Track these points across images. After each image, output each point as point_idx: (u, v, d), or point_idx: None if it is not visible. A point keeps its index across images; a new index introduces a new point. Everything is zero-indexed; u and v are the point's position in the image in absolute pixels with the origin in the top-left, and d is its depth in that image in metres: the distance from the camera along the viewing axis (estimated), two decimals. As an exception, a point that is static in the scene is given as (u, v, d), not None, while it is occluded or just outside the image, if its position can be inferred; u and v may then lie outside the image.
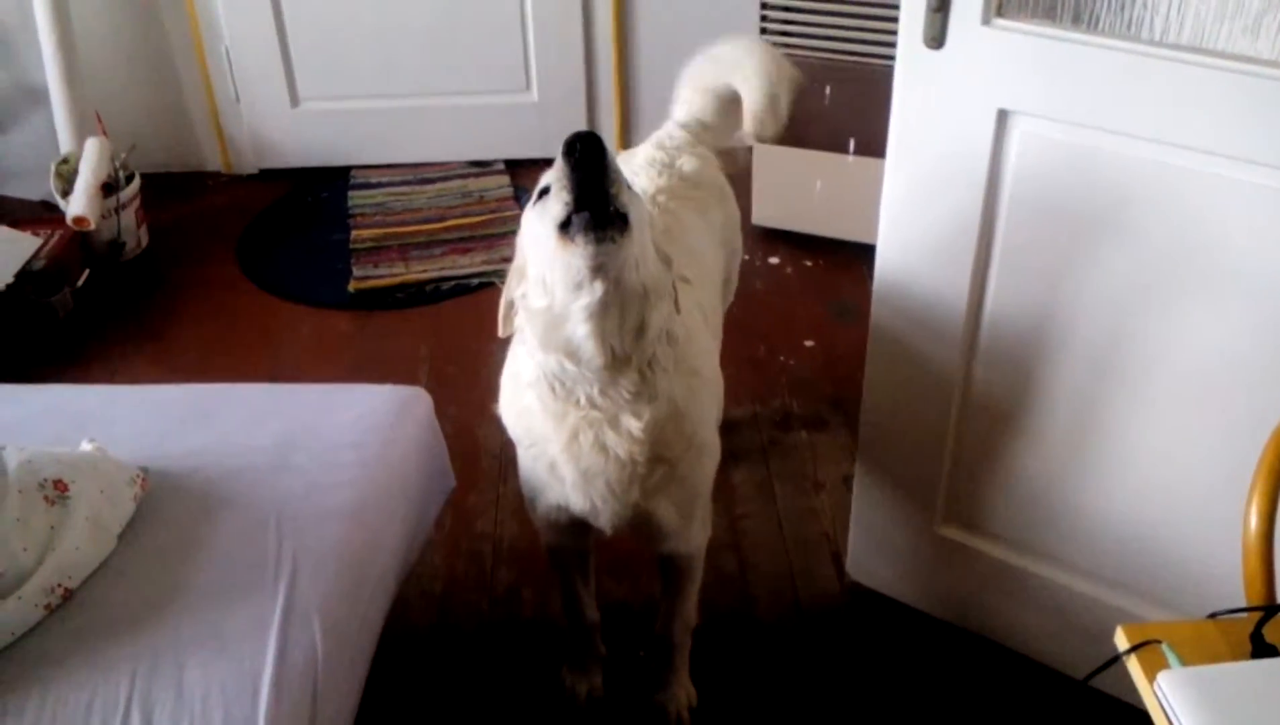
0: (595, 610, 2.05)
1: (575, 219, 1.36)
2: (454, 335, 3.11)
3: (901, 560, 2.20)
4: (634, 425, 1.54)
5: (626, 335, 1.47)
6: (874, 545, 2.24)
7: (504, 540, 2.43)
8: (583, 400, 1.53)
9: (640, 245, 1.44)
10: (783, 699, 2.09)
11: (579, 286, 1.40)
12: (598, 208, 1.36)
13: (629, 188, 1.44)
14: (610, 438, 1.56)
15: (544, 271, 1.44)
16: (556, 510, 1.73)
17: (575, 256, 1.38)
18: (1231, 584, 1.27)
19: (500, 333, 1.61)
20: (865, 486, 2.19)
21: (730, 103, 2.24)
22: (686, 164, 2.12)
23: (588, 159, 1.35)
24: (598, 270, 1.39)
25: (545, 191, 1.43)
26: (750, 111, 2.17)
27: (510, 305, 1.56)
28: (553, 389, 1.54)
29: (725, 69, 2.21)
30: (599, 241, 1.36)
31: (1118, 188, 1.61)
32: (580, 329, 1.44)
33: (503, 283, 1.59)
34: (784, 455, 2.67)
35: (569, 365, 1.49)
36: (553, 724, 2.05)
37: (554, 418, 1.57)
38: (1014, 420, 1.91)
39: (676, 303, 1.57)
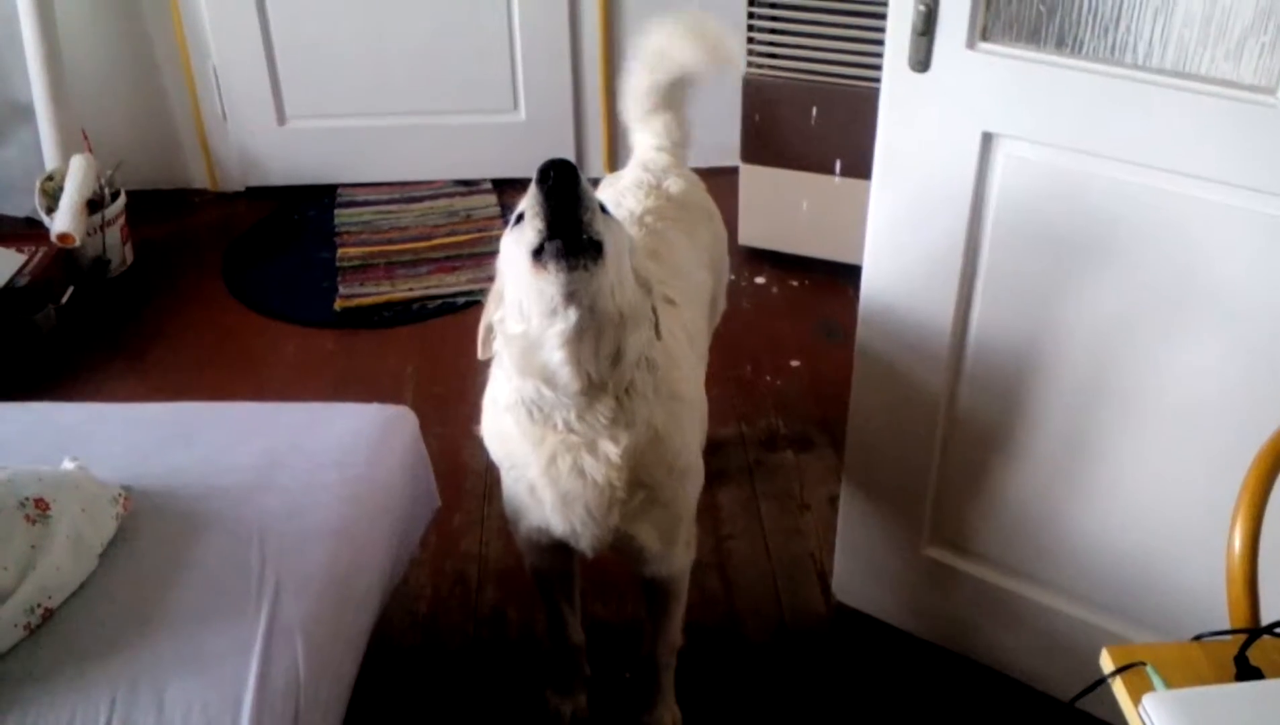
0: (580, 631, 2.04)
1: (548, 246, 1.36)
2: (440, 354, 3.10)
3: (887, 581, 2.20)
4: (611, 451, 1.54)
5: (603, 361, 1.47)
6: (860, 566, 2.24)
7: (489, 560, 2.42)
8: (560, 425, 1.53)
9: (617, 271, 1.43)
10: (768, 720, 2.08)
11: (553, 313, 1.40)
12: (570, 236, 1.35)
13: (605, 214, 1.44)
14: (588, 462, 1.55)
15: (520, 297, 1.44)
16: (538, 532, 1.72)
17: (548, 283, 1.38)
18: (1217, 606, 1.27)
19: (480, 355, 1.60)
20: (851, 507, 2.19)
21: (677, 103, 2.27)
22: (673, 185, 2.12)
23: (561, 187, 1.34)
24: (570, 297, 1.38)
25: (522, 217, 1.43)
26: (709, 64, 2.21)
27: (489, 329, 1.56)
28: (530, 414, 1.53)
29: (661, 71, 2.22)
30: (571, 270, 1.36)
31: (1101, 211, 1.62)
32: (555, 355, 1.44)
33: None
34: (770, 475, 2.67)
35: (545, 391, 1.49)
36: (537, 746, 2.04)
37: (532, 442, 1.56)
38: (999, 442, 1.91)
39: (657, 328, 1.57)
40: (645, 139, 2.28)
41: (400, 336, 3.22)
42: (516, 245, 1.41)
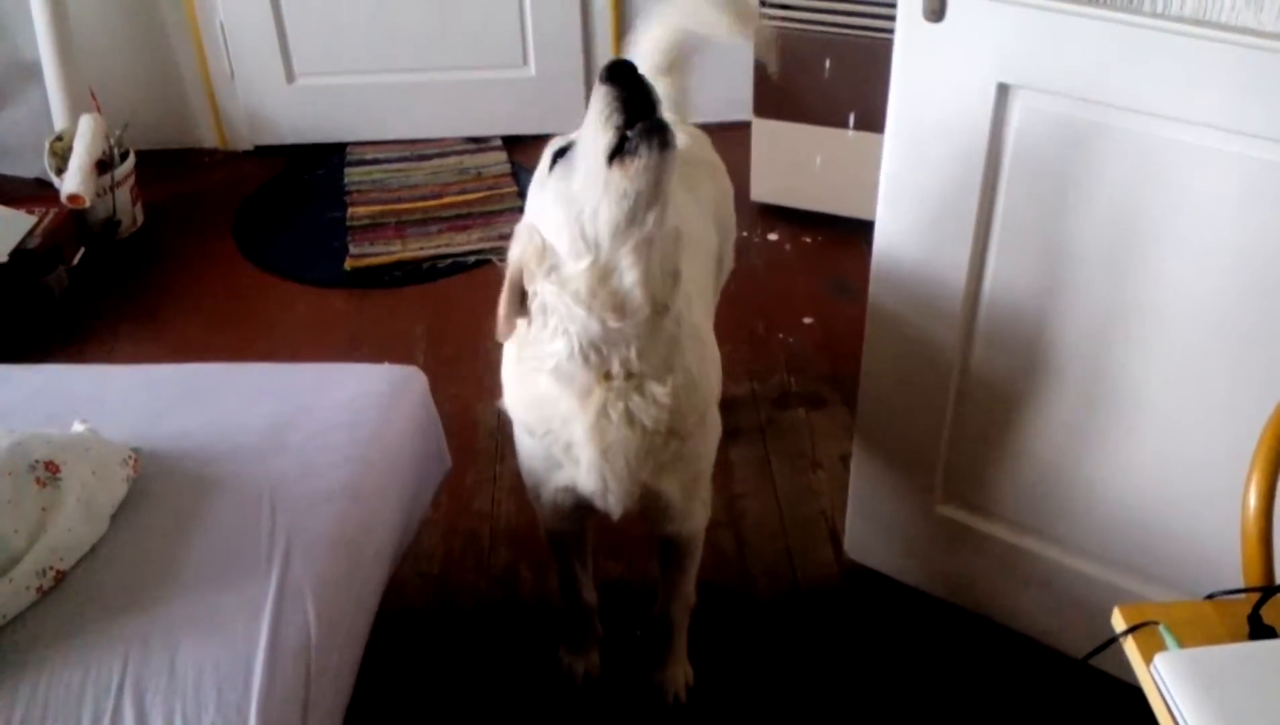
0: (593, 591, 2.04)
1: (632, 134, 1.36)
2: (451, 313, 3.09)
3: (900, 539, 2.20)
4: (660, 391, 1.55)
5: (667, 279, 1.49)
6: (872, 524, 2.23)
7: (501, 520, 2.42)
8: (616, 366, 1.52)
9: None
10: (780, 678, 2.08)
11: (631, 220, 1.40)
12: (651, 117, 1.36)
13: None
14: (637, 404, 1.55)
15: (584, 224, 1.42)
16: (563, 493, 1.72)
17: (635, 178, 1.37)
18: (1235, 563, 1.26)
19: (500, 336, 1.59)
20: (863, 465, 2.18)
21: (683, 66, 2.27)
22: (676, 140, 2.09)
23: (630, 79, 1.36)
24: (657, 188, 1.39)
25: (563, 152, 1.44)
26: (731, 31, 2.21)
27: (516, 304, 1.54)
28: (586, 359, 1.52)
29: (678, 34, 2.23)
30: (664, 147, 1.37)
31: (1119, 162, 1.60)
32: (630, 275, 1.44)
33: (501, 261, 1.57)
34: (782, 434, 2.66)
35: (613, 322, 1.48)
36: (550, 704, 2.05)
37: (580, 395, 1.55)
38: (1013, 399, 1.90)
39: None
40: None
41: (411, 296, 3.21)
42: (573, 172, 1.41)
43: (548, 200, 1.47)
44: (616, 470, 1.62)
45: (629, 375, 1.54)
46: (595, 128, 1.38)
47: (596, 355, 1.52)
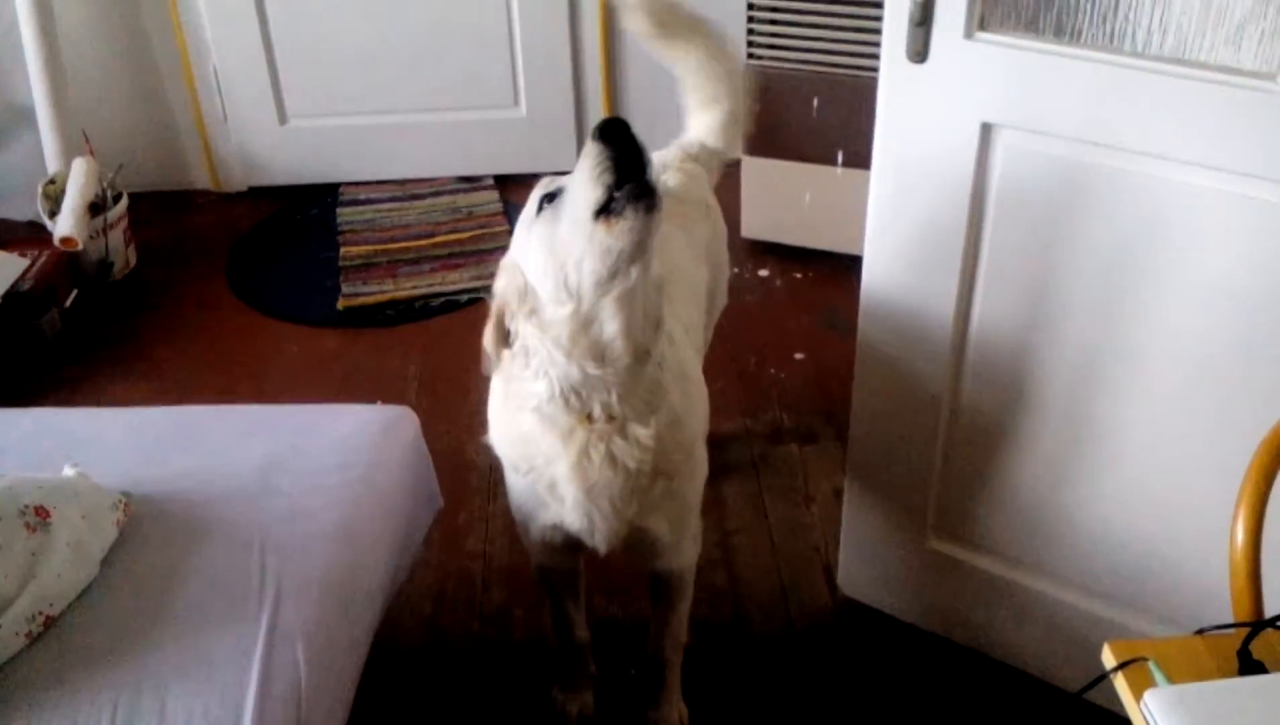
0: (586, 629, 2.04)
1: (619, 196, 1.37)
2: (444, 352, 3.10)
3: (893, 574, 2.19)
4: (643, 433, 1.55)
5: (649, 327, 1.49)
6: (865, 559, 2.23)
7: (494, 559, 2.42)
8: (598, 410, 1.53)
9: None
10: (775, 714, 2.08)
11: (614, 275, 1.41)
12: (642, 180, 1.37)
13: None
14: (620, 447, 1.55)
15: (568, 273, 1.43)
16: (551, 531, 1.72)
17: (619, 237, 1.38)
18: (1224, 595, 1.26)
19: (485, 370, 1.60)
20: (855, 501, 2.18)
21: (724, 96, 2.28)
22: (671, 179, 2.11)
23: (623, 139, 1.37)
24: (640, 247, 1.40)
25: (552, 197, 1.44)
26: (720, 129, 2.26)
27: (500, 338, 1.55)
28: (566, 402, 1.52)
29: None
30: (650, 211, 1.38)
31: (1103, 200, 1.61)
32: (610, 326, 1.45)
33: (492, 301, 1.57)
34: (775, 469, 2.67)
35: (593, 369, 1.48)
36: (544, 744, 2.04)
37: (562, 436, 1.56)
38: (1003, 433, 1.90)
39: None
40: (689, 132, 2.30)
41: (404, 335, 3.22)
42: (559, 221, 1.42)
43: (533, 243, 1.48)
44: (601, 509, 1.62)
45: (610, 417, 1.54)
46: (584, 183, 1.39)
47: (577, 398, 1.52)
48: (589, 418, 1.54)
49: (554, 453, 1.58)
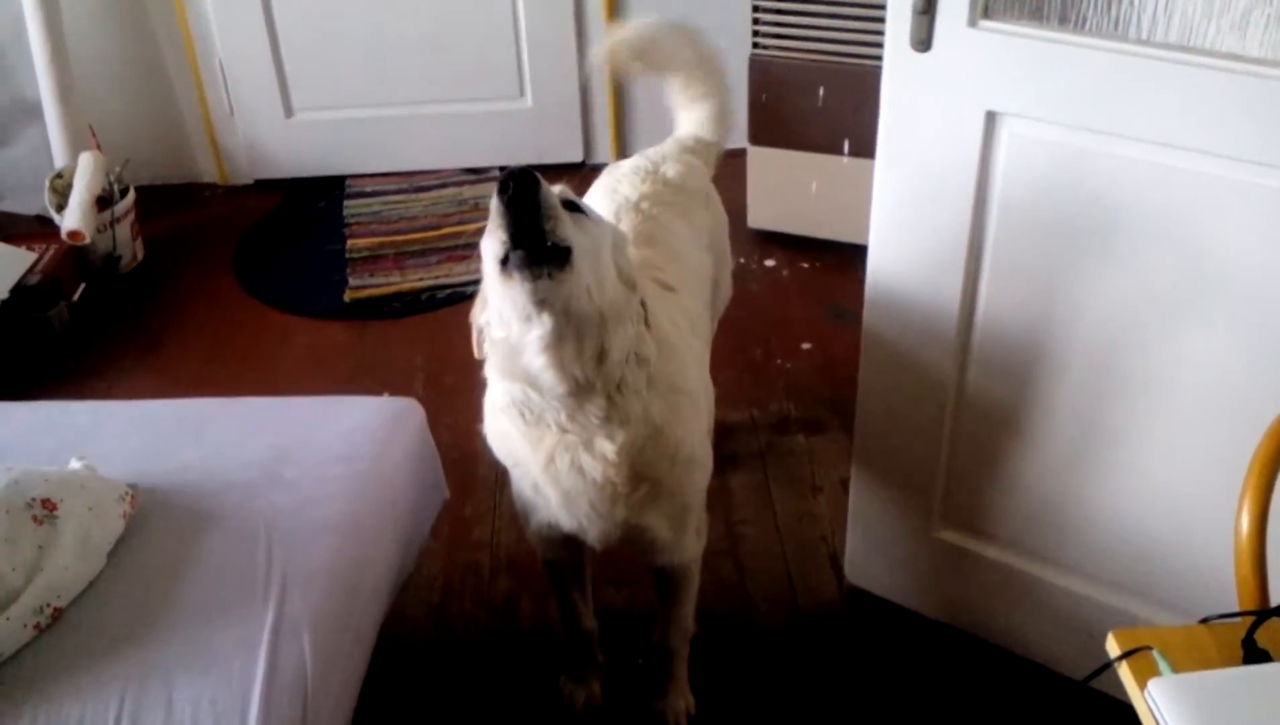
0: (593, 619, 2.04)
1: (512, 256, 1.35)
2: (450, 343, 3.10)
3: (900, 564, 2.19)
4: (608, 448, 1.54)
5: (587, 362, 1.45)
6: (872, 549, 2.23)
7: (501, 549, 2.42)
8: (553, 426, 1.53)
9: (594, 272, 1.42)
10: (782, 704, 2.08)
11: (528, 319, 1.40)
12: (533, 244, 1.34)
13: (579, 214, 1.44)
14: (585, 461, 1.55)
15: (498, 303, 1.44)
16: (548, 527, 1.73)
17: (517, 292, 1.37)
18: (1230, 584, 1.25)
19: (476, 355, 1.60)
20: (862, 491, 2.18)
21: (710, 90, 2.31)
22: (670, 170, 2.12)
23: (522, 196, 1.32)
24: (541, 304, 1.38)
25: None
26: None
27: (480, 330, 1.56)
28: (523, 415, 1.54)
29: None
30: (535, 278, 1.35)
31: (1107, 188, 1.60)
32: (536, 360, 1.43)
33: None
34: (782, 459, 2.66)
35: (532, 393, 1.50)
36: (551, 733, 2.04)
37: (530, 442, 1.57)
38: (1009, 423, 1.90)
39: (646, 321, 1.56)
40: (679, 127, 2.30)
41: (410, 327, 3.22)
42: (487, 252, 1.41)
43: (485, 256, 1.45)
44: (584, 512, 1.63)
45: (567, 431, 1.54)
46: (488, 232, 1.38)
47: (530, 413, 1.53)
48: (550, 428, 1.54)
49: (527, 455, 1.59)
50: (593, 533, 1.67)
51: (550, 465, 1.57)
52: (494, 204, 1.35)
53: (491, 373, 1.57)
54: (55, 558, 1.48)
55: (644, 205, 1.98)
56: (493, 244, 1.37)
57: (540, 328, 1.40)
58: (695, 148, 2.26)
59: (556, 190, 1.44)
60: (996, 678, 2.09)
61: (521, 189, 1.32)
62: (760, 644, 2.21)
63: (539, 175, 1.34)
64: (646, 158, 2.15)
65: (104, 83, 3.74)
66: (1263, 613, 1.13)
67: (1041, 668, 2.07)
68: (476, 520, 2.50)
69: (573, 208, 1.44)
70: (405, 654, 2.17)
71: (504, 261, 1.36)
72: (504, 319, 1.44)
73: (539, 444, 1.56)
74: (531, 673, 2.14)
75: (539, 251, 1.34)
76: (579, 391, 1.48)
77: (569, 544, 1.79)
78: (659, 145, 2.25)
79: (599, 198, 2.04)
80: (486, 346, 1.53)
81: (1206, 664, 1.09)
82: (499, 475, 2.57)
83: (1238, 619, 1.14)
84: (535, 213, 1.33)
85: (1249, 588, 1.19)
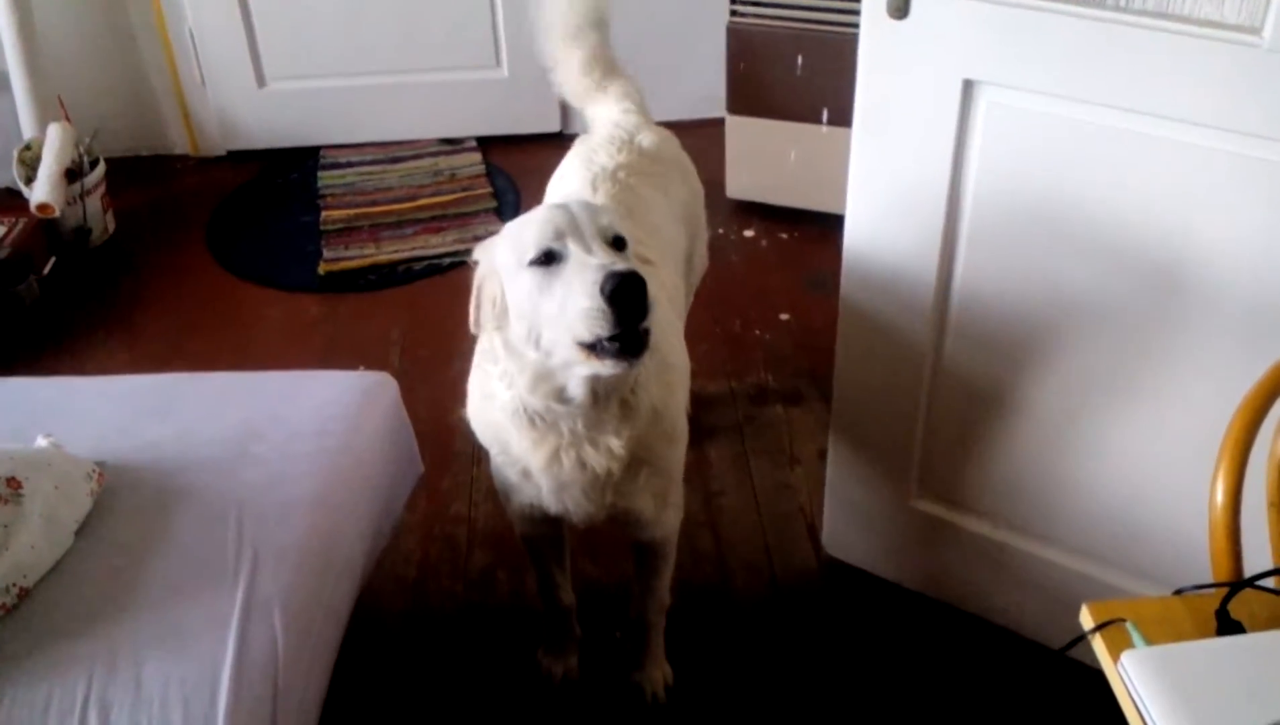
0: (571, 593, 2.03)
1: (607, 345, 1.36)
2: (427, 316, 3.08)
3: (877, 534, 2.19)
4: (615, 444, 1.55)
5: (621, 387, 1.51)
6: (850, 520, 2.23)
7: (478, 523, 2.41)
8: (565, 432, 1.54)
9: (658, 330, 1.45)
10: (760, 675, 2.08)
11: (583, 363, 1.41)
12: (630, 339, 1.36)
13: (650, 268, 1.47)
14: (590, 455, 1.56)
15: (542, 335, 1.43)
16: (530, 508, 1.73)
17: (595, 367, 1.40)
18: (1207, 555, 1.25)
19: (473, 330, 1.58)
20: (839, 462, 2.18)
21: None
22: (645, 139, 2.09)
23: (626, 297, 1.33)
24: (612, 381, 1.45)
25: (550, 256, 1.40)
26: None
27: (479, 313, 1.54)
28: (533, 421, 1.54)
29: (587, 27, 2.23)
30: (627, 367, 1.39)
31: (1085, 157, 1.59)
32: (575, 386, 1.47)
33: (475, 263, 1.55)
34: (760, 431, 2.66)
35: (556, 406, 1.50)
36: (529, 707, 2.04)
37: (532, 442, 1.57)
38: (986, 395, 1.89)
39: None
40: (606, 110, 2.22)
41: (386, 299, 3.19)
42: (550, 294, 1.40)
43: (523, 279, 1.43)
44: (574, 498, 1.63)
45: (577, 435, 1.55)
46: (578, 316, 1.36)
47: (542, 422, 1.54)
48: (559, 432, 1.55)
49: (524, 451, 1.59)
50: (579, 515, 1.68)
51: (554, 463, 1.57)
52: (596, 303, 1.34)
53: (494, 367, 1.55)
54: (21, 537, 1.46)
55: (621, 175, 1.96)
56: (578, 325, 1.36)
57: (594, 371, 1.42)
58: (642, 111, 2.21)
59: (604, 222, 1.44)
60: (974, 648, 2.10)
61: (628, 291, 1.33)
62: (738, 615, 2.21)
63: (645, 278, 1.35)
64: (620, 128, 2.12)
65: (72, 52, 3.68)
66: (1236, 584, 1.13)
67: (1019, 637, 2.08)
68: (453, 494, 2.48)
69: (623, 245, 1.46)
70: (382, 629, 2.16)
71: (593, 346, 1.37)
72: (545, 346, 1.43)
73: (542, 443, 1.56)
74: (509, 647, 2.13)
75: (634, 344, 1.36)
76: (602, 400, 1.50)
77: (548, 523, 1.79)
78: (618, 119, 2.20)
79: (574, 167, 2.02)
80: (497, 344, 1.52)
81: (1180, 635, 1.09)
82: (476, 450, 2.54)
83: (1211, 590, 1.14)
84: (639, 315, 1.35)
85: (1223, 559, 1.19)
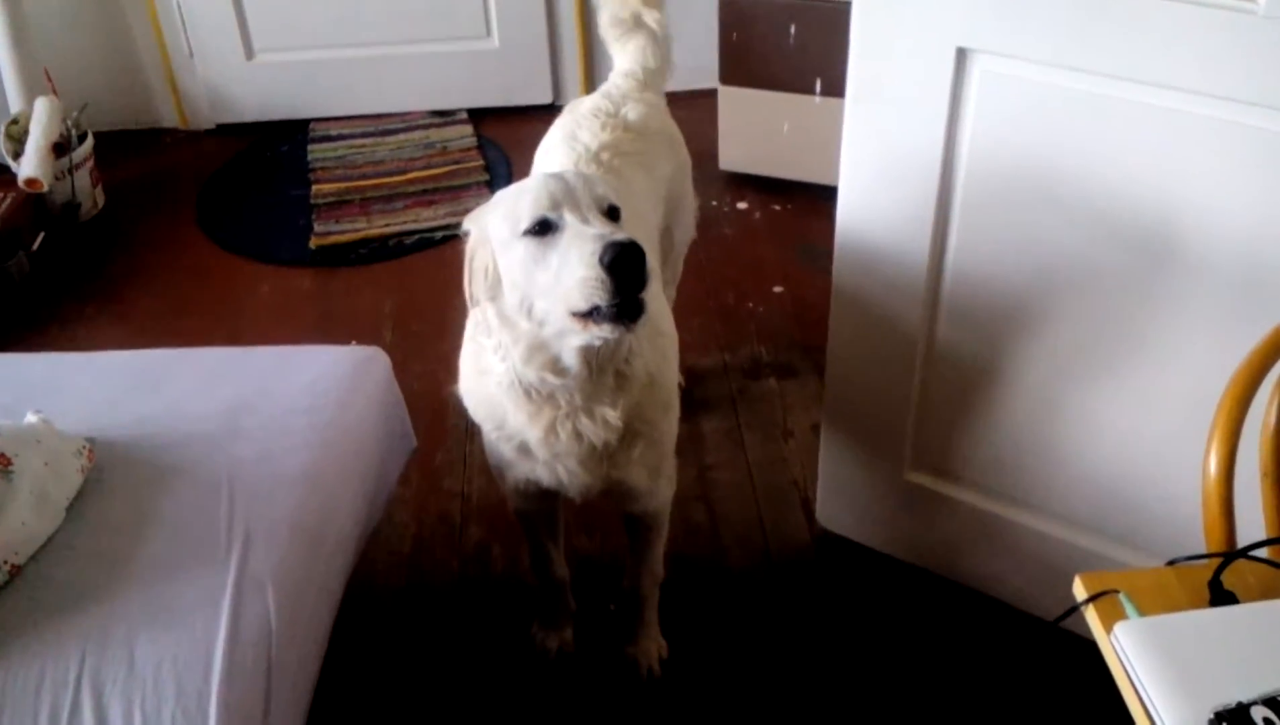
0: (564, 567, 2.04)
1: (605, 310, 1.35)
2: (418, 290, 3.06)
3: (870, 507, 2.19)
4: (611, 414, 1.56)
5: (617, 355, 1.52)
6: (843, 493, 2.23)
7: (472, 497, 2.41)
8: (562, 403, 1.54)
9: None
10: (754, 647, 2.08)
11: (578, 333, 1.41)
12: (628, 307, 1.36)
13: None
14: (586, 426, 1.56)
15: (534, 305, 1.43)
16: (525, 482, 1.73)
17: (594, 333, 1.40)
18: (1200, 526, 1.25)
19: (470, 304, 1.58)
20: (832, 435, 2.18)
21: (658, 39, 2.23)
22: (631, 112, 2.08)
23: (625, 267, 1.33)
24: (606, 345, 1.45)
25: (545, 225, 1.40)
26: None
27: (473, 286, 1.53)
28: (529, 394, 1.54)
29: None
30: (623, 331, 1.39)
31: (1080, 126, 1.58)
32: (569, 356, 1.47)
33: (466, 235, 1.54)
34: (753, 404, 2.65)
35: (551, 377, 1.50)
36: (524, 680, 2.04)
37: (528, 414, 1.57)
38: (979, 366, 1.89)
39: None
40: (620, 62, 2.23)
41: (377, 273, 3.18)
42: (545, 264, 1.39)
43: (517, 248, 1.43)
44: (572, 470, 1.63)
45: (574, 405, 1.55)
46: (575, 284, 1.36)
47: (538, 394, 1.54)
48: (555, 403, 1.55)
49: (521, 424, 1.59)
50: (575, 488, 1.68)
51: (550, 434, 1.57)
52: (595, 271, 1.33)
53: (488, 339, 1.55)
54: (11, 514, 1.45)
55: (604, 155, 1.95)
56: (575, 293, 1.36)
57: (588, 340, 1.43)
58: (647, 81, 2.20)
59: (599, 192, 1.44)
60: (968, 619, 2.11)
61: (627, 262, 1.33)
62: (732, 588, 2.21)
63: (644, 249, 1.35)
64: (608, 99, 2.10)
65: (59, 25, 3.64)
66: (1229, 554, 1.12)
67: (1013, 609, 2.08)
68: (447, 469, 2.48)
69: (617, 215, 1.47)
70: (376, 604, 2.16)
71: (588, 313, 1.37)
72: (538, 316, 1.43)
73: (538, 416, 1.56)
74: (504, 621, 2.14)
75: (631, 310, 1.35)
76: (596, 371, 1.50)
77: (543, 497, 1.79)
78: (615, 81, 2.20)
79: (557, 145, 2.01)
80: (491, 315, 1.52)
81: (1173, 606, 1.08)
82: (469, 424, 2.52)
83: (1204, 561, 1.14)
84: (639, 285, 1.35)
85: (1216, 530, 1.19)
